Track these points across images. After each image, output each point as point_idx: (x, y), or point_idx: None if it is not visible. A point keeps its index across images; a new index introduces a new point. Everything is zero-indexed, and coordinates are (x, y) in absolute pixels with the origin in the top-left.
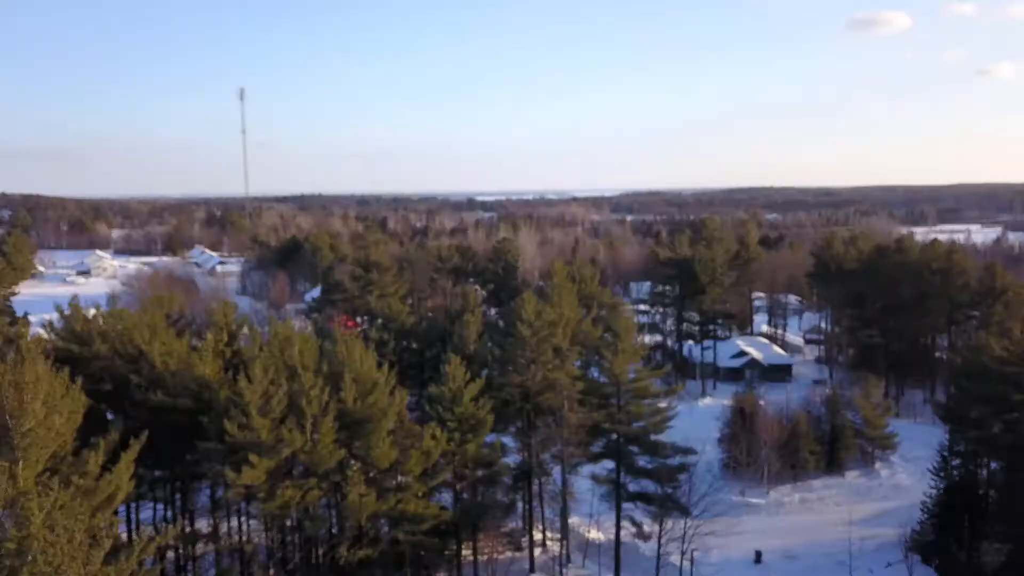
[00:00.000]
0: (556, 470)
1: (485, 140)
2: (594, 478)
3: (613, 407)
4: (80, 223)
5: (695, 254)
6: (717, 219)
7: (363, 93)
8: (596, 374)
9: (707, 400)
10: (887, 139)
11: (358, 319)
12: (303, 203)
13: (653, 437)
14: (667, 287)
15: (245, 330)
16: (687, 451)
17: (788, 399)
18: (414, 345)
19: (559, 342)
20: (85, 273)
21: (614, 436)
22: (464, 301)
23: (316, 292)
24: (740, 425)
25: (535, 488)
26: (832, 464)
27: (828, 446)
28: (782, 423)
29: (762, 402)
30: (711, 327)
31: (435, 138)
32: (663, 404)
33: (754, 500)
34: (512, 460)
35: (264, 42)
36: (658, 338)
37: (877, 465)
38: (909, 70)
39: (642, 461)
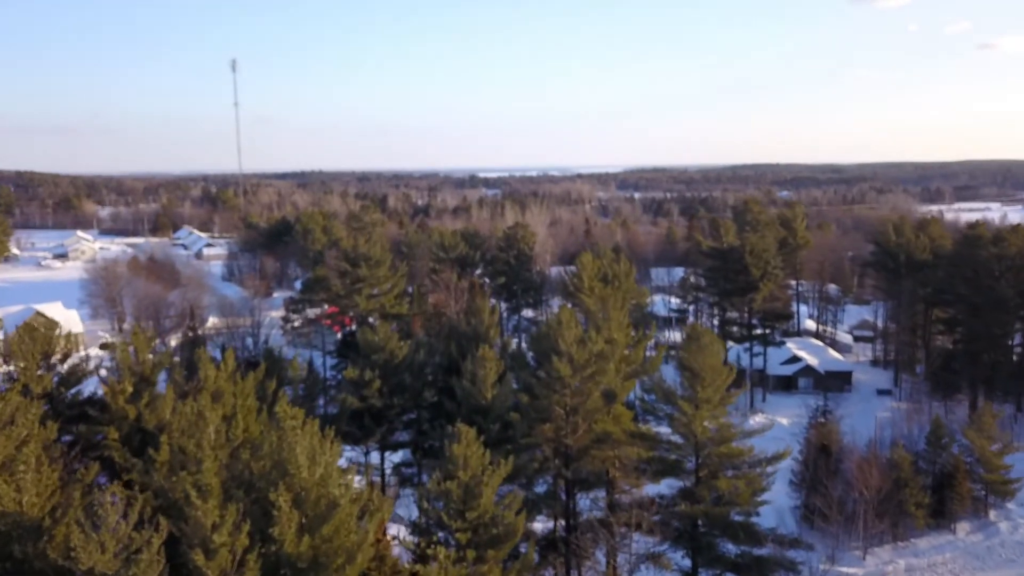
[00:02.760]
0: (600, 551)
1: (487, 114)
2: (653, 559)
3: (687, 474)
4: (66, 201)
5: (745, 243)
6: (752, 198)
7: (365, 68)
8: (654, 420)
9: (758, 418)
10: (892, 114)
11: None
12: (303, 180)
13: (744, 518)
14: (706, 280)
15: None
16: (793, 542)
17: (878, 427)
18: (407, 379)
19: (610, 382)
20: (62, 256)
21: (689, 519)
22: (472, 303)
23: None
24: (824, 468)
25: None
26: (939, 515)
27: (934, 493)
28: (878, 464)
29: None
30: (762, 330)
31: (436, 115)
32: (758, 469)
33: (849, 570)
34: (539, 523)
35: (266, 15)
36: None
37: (992, 515)
38: (912, 42)
39: (726, 547)
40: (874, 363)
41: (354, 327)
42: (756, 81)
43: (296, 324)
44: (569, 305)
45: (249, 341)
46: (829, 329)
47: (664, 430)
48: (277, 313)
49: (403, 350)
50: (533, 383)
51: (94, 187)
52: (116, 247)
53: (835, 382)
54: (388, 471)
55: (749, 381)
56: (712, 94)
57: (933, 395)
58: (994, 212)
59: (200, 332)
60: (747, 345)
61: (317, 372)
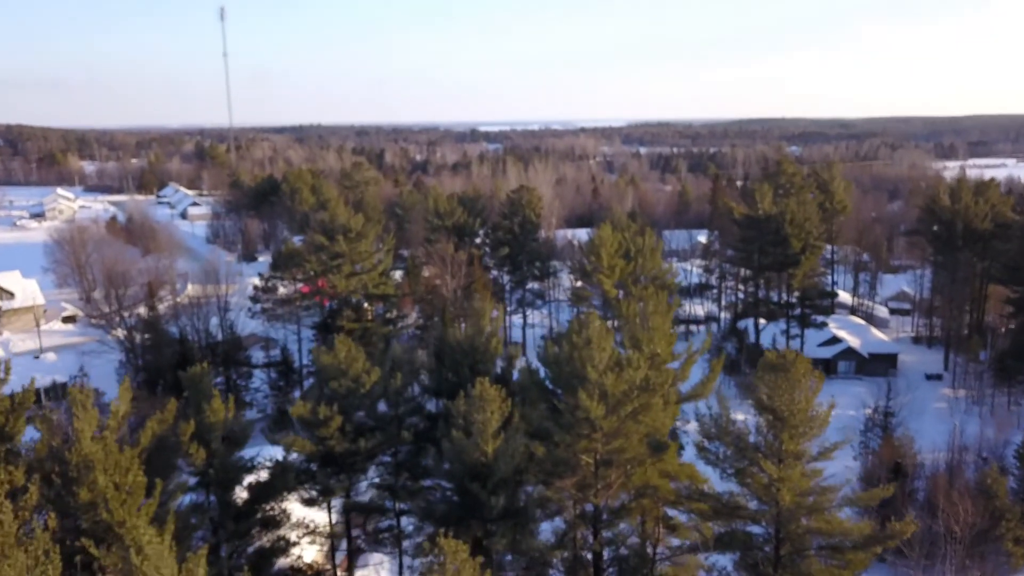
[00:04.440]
0: None
1: (488, 63)
2: None
3: (761, 550)
4: (50, 156)
5: (784, 211)
6: (784, 158)
7: (363, 18)
8: (715, 471)
9: None
10: (899, 66)
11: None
12: (301, 134)
13: None
14: (737, 252)
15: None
16: None
17: (955, 436)
18: (378, 413)
19: (657, 422)
20: (39, 216)
21: None
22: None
23: (298, 240)
24: (898, 493)
25: None
26: None
27: None
28: (970, 493)
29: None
30: (802, 309)
31: (437, 67)
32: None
33: None
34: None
35: None
36: (710, 307)
37: None
38: None
39: None
40: (916, 340)
41: (334, 305)
42: (757, 32)
43: (267, 306)
44: (591, 296)
45: (214, 322)
46: (866, 302)
47: (729, 486)
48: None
49: (373, 376)
50: (550, 426)
51: (85, 141)
52: (98, 206)
53: (879, 366)
54: (356, 537)
55: None
56: (715, 45)
57: (997, 384)
58: (1011, 169)
59: (161, 310)
60: (782, 325)
61: (291, 358)
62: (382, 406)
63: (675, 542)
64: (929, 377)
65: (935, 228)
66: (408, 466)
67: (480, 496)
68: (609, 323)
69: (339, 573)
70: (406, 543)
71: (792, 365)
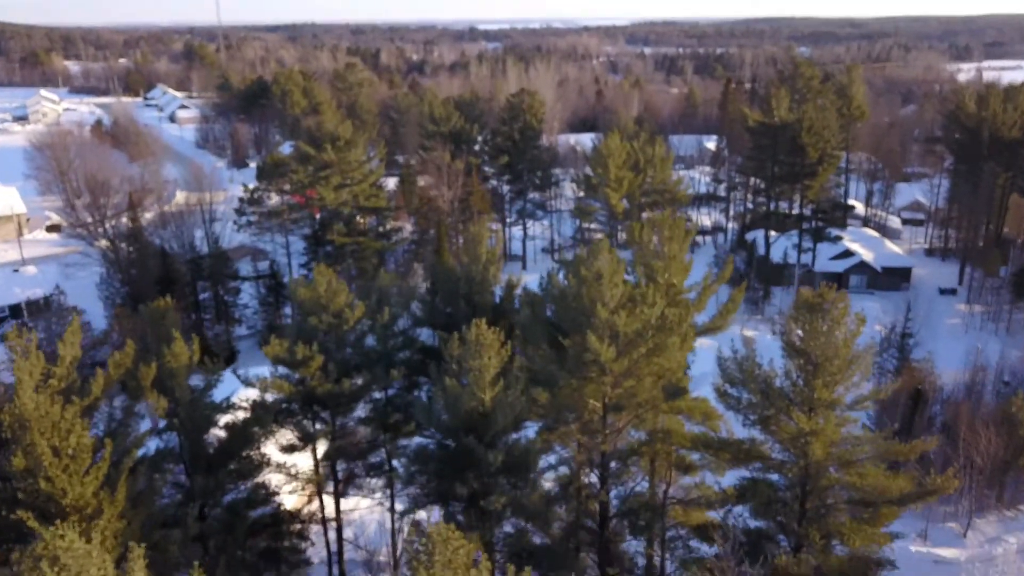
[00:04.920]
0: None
1: None
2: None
3: (789, 509)
4: (34, 56)
5: (802, 119)
6: (802, 59)
7: None
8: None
9: None
10: None
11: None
12: (295, 33)
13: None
14: (750, 162)
15: None
16: None
17: (977, 357)
18: (365, 350)
19: (670, 363)
20: (22, 119)
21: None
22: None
23: (287, 147)
24: (918, 421)
25: None
26: None
27: None
28: (994, 422)
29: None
30: (816, 222)
31: None
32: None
33: (947, 553)
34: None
35: None
36: (718, 217)
37: None
38: None
39: None
40: (929, 253)
41: (325, 214)
42: None
43: (253, 219)
44: (595, 211)
45: (200, 235)
46: (879, 213)
47: (750, 433)
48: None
49: (357, 312)
50: (554, 370)
51: (70, 40)
52: (83, 108)
53: (892, 280)
54: (342, 482)
55: (797, 281)
56: None
57: (1015, 300)
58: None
59: (145, 220)
60: (794, 238)
61: (280, 273)
62: (370, 340)
63: (687, 480)
64: (943, 292)
65: (957, 136)
66: (399, 404)
67: (476, 451)
68: (613, 245)
69: (325, 521)
70: (398, 487)
71: (832, 305)
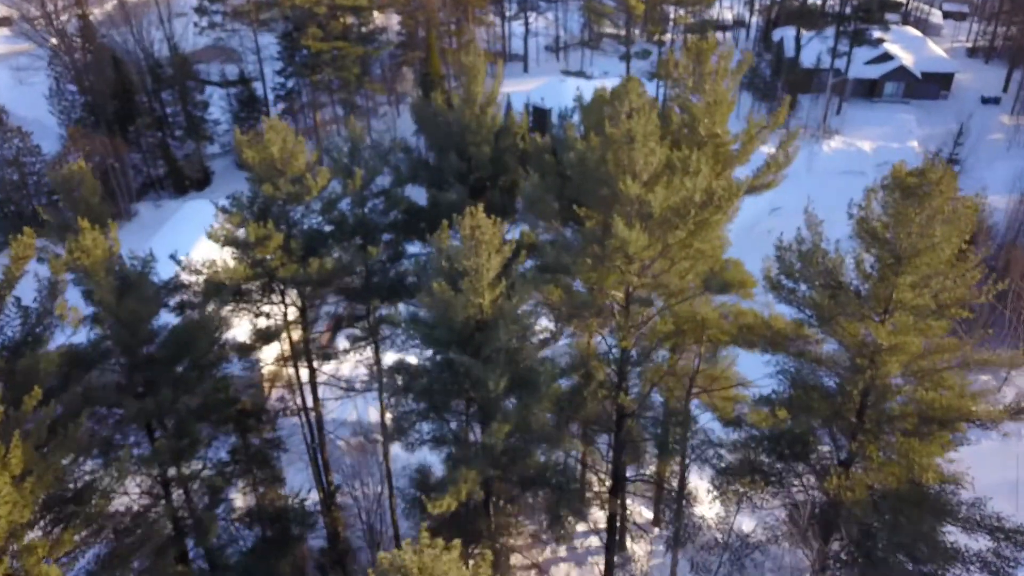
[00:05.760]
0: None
1: None
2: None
3: (846, 406)
4: None
5: None
6: None
7: None
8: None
9: (835, 142)
10: None
11: None
12: None
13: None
14: None
15: None
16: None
17: None
18: (329, 259)
19: (714, 250)
20: None
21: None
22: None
23: None
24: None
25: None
26: None
27: None
28: None
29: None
30: (855, 24)
31: None
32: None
33: None
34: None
35: None
36: (741, 11)
37: None
38: None
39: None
40: (972, 53)
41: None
42: None
43: (216, 19)
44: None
45: (156, 36)
46: (922, 5)
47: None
48: None
49: (321, 179)
50: (569, 261)
51: None
52: None
53: (930, 87)
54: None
55: (829, 90)
56: None
57: None
58: None
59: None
60: (828, 40)
61: (252, 86)
62: (345, 204)
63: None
64: (985, 101)
65: None
66: (382, 279)
67: (473, 371)
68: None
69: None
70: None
71: (935, 188)
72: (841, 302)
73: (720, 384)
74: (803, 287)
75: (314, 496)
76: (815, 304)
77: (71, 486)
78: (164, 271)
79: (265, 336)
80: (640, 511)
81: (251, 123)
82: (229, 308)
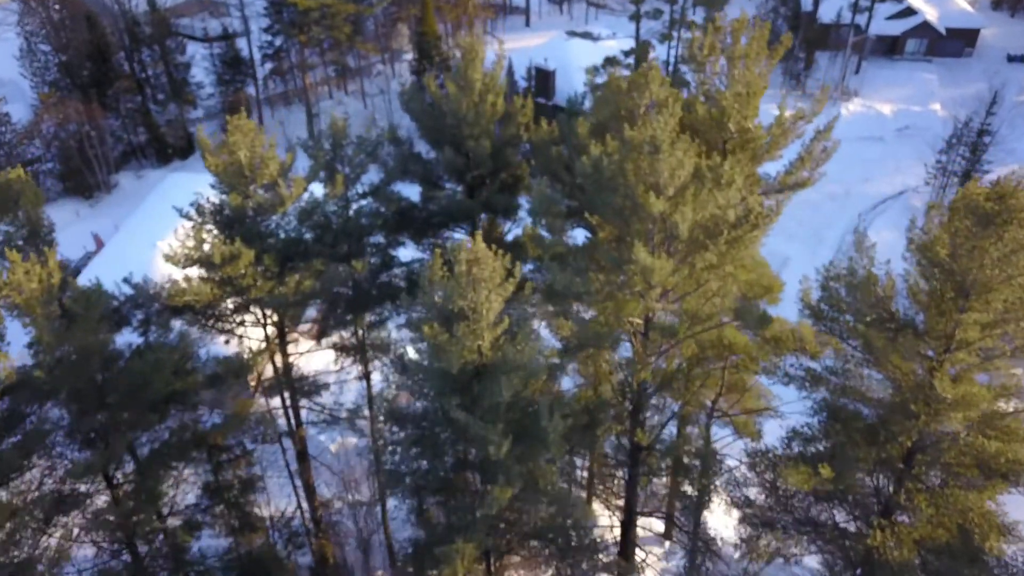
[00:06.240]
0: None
1: None
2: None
3: (891, 448)
4: None
5: None
6: None
7: None
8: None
9: (853, 104)
10: None
11: None
12: None
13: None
14: None
15: None
16: None
17: None
18: (308, 276)
19: (748, 273)
20: None
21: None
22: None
23: None
24: None
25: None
26: None
27: None
28: None
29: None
30: None
31: None
32: None
33: None
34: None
35: None
36: None
37: None
38: None
39: None
40: (996, 5)
41: None
42: None
43: None
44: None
45: None
46: None
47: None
48: None
49: (296, 189)
50: (582, 289)
51: None
52: None
53: (953, 44)
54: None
55: (848, 48)
56: None
57: None
58: None
59: None
60: None
61: (237, 45)
62: (331, 205)
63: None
64: (1011, 59)
65: None
66: (371, 287)
67: (472, 428)
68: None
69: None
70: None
71: (1020, 217)
72: (894, 339)
73: (744, 406)
74: (849, 317)
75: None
76: (863, 337)
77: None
78: (140, 259)
79: (236, 370)
80: (652, 549)
81: (237, 86)
82: (197, 330)
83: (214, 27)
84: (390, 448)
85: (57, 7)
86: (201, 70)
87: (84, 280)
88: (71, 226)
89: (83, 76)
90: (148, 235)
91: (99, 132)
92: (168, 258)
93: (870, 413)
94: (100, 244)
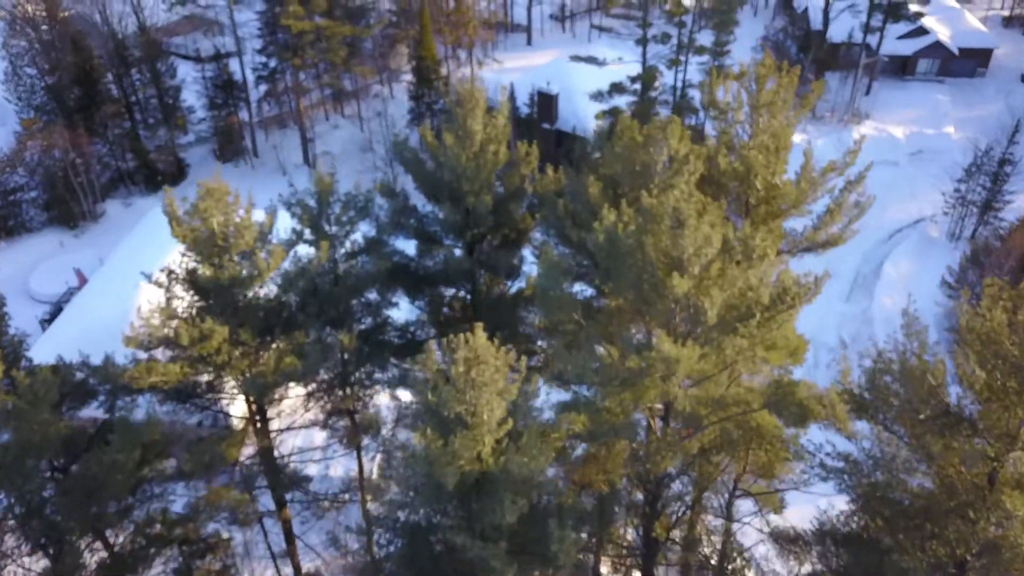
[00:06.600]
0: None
1: None
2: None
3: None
4: None
5: None
6: None
7: None
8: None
9: (864, 127)
10: None
11: None
12: None
13: None
14: None
15: None
16: None
17: None
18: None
19: (780, 356)
20: None
21: None
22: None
23: None
24: None
25: None
26: None
27: None
28: None
29: None
30: None
31: None
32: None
33: None
34: None
35: None
36: None
37: None
38: None
39: None
40: (1008, 22)
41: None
42: None
43: None
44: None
45: (123, 10)
46: None
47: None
48: None
49: (275, 258)
50: (593, 379)
51: None
52: None
53: (966, 64)
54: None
55: (859, 69)
56: None
57: None
58: None
59: None
60: (861, 15)
61: (230, 68)
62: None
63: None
64: None
65: None
66: (360, 358)
67: (471, 551)
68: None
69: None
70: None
71: None
72: (949, 435)
73: (767, 485)
74: (895, 407)
75: None
76: (917, 436)
77: None
78: (126, 285)
79: (207, 464)
80: None
81: (229, 110)
82: (167, 411)
83: (207, 47)
84: (383, 553)
85: (44, 27)
86: (192, 93)
87: (58, 330)
88: (54, 257)
89: (70, 100)
90: (134, 268)
91: (85, 159)
92: (128, 341)
93: (911, 502)
94: (82, 280)
